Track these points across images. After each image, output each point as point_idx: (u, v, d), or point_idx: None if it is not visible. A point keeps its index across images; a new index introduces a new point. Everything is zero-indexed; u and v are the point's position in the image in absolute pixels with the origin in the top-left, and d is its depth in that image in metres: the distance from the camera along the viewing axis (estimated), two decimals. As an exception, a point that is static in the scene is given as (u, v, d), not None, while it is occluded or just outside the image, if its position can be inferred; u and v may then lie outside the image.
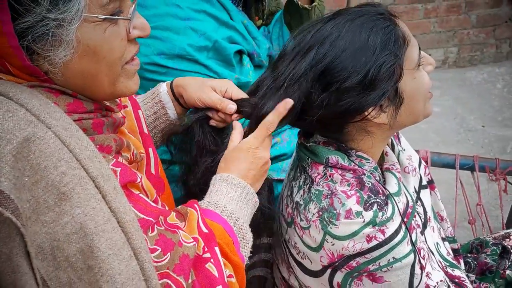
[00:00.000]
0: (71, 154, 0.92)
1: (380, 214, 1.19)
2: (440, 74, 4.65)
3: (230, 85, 1.39)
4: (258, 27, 2.25)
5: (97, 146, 1.04)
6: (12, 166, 0.85)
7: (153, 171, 1.34)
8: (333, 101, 1.20)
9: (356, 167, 1.28)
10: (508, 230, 1.80)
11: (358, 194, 1.22)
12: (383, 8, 1.26)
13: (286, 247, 1.38)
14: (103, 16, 1.00)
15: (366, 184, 1.25)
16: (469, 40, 4.71)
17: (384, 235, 1.18)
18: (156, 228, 1.06)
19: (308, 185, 1.31)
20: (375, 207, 1.20)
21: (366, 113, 1.21)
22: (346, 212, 1.20)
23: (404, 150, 1.55)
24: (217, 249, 1.11)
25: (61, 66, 0.98)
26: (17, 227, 0.83)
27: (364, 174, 1.28)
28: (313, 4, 2.01)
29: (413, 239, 1.24)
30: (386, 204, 1.23)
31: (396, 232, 1.19)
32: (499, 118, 4.05)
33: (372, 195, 1.23)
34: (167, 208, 1.21)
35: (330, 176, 1.28)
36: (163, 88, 1.49)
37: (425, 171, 1.60)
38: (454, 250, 1.61)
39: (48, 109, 0.96)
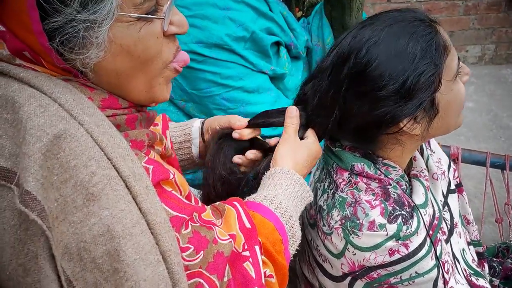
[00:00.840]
0: (103, 153, 0.86)
1: (404, 228, 1.12)
2: (476, 70, 4.47)
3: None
4: (298, 19, 2.22)
5: (130, 141, 0.99)
6: (41, 165, 0.80)
7: None
8: (368, 110, 1.13)
9: (382, 176, 1.21)
10: (536, 236, 1.74)
11: (382, 205, 1.15)
12: (423, 14, 1.16)
13: (308, 247, 1.33)
14: (137, 15, 0.92)
15: (392, 195, 1.18)
16: (507, 38, 4.51)
17: (407, 249, 1.12)
18: (191, 225, 1.00)
19: (333, 190, 1.25)
20: (399, 220, 1.13)
21: (401, 125, 1.13)
22: (370, 223, 1.13)
23: (434, 153, 1.47)
24: (257, 247, 1.05)
25: (91, 67, 0.92)
26: (42, 229, 0.78)
27: (390, 184, 1.20)
28: None
29: (438, 253, 1.17)
30: (412, 217, 1.16)
31: (420, 246, 1.13)
32: (533, 117, 3.92)
33: (397, 207, 1.16)
34: (200, 205, 1.15)
35: (355, 184, 1.21)
36: (196, 123, 1.46)
37: (454, 174, 1.51)
38: (478, 254, 1.53)
39: (82, 104, 0.90)
